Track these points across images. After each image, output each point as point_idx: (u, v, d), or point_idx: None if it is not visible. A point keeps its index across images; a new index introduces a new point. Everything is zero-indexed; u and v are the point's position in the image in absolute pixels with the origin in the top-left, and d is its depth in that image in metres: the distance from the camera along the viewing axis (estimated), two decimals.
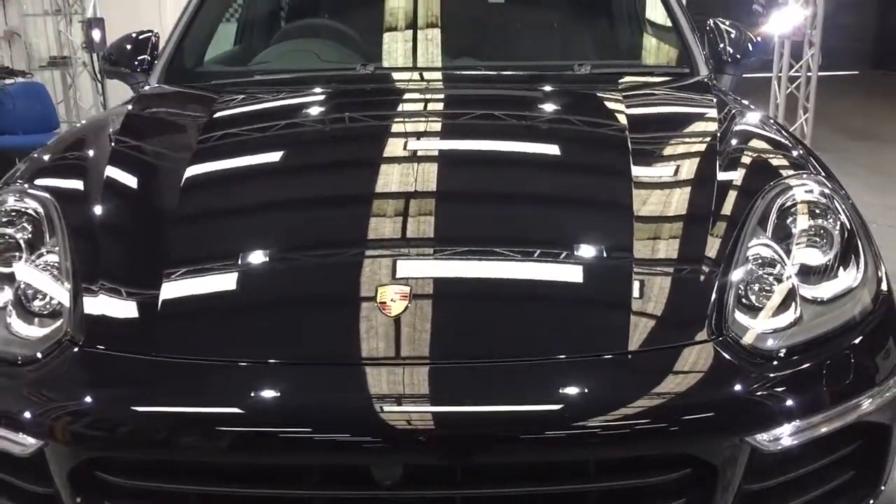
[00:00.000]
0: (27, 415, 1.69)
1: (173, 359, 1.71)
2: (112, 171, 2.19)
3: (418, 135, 2.42)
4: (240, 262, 1.90)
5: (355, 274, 1.83)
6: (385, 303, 1.73)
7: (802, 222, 1.93)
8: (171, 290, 1.82)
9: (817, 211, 1.95)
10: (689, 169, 2.15)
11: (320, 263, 1.92)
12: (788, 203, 1.96)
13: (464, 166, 2.24)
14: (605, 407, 1.59)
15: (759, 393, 1.65)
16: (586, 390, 1.63)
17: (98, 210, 2.06)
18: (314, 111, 2.68)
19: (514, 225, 1.99)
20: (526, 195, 2.08)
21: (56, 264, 1.91)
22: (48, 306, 1.86)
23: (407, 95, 2.81)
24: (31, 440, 1.68)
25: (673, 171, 2.15)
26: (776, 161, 2.19)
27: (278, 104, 2.71)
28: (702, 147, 2.26)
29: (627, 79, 2.88)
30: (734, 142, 2.25)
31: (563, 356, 1.67)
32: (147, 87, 2.89)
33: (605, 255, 1.87)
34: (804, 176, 2.07)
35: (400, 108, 2.67)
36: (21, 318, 1.85)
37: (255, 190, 2.18)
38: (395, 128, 2.51)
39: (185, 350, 1.73)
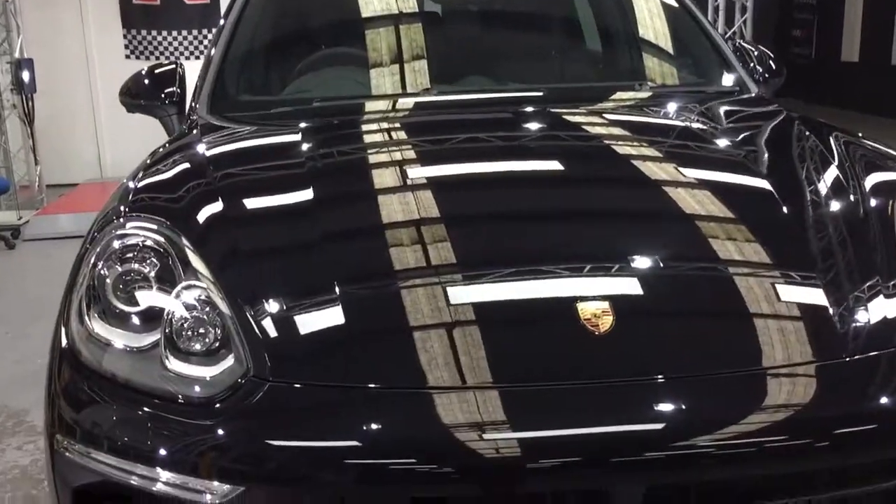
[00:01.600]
0: (225, 460, 1.56)
1: (379, 388, 1.61)
2: (228, 197, 2.07)
3: (552, 154, 2.38)
4: (413, 277, 1.81)
5: (550, 290, 1.78)
6: (590, 319, 1.68)
7: None
8: (353, 311, 1.72)
9: None
10: (823, 183, 2.17)
11: (510, 277, 1.83)
12: None
13: (621, 183, 2.23)
14: (850, 409, 1.60)
15: None
16: (822, 395, 1.62)
17: (231, 236, 1.94)
18: (416, 129, 2.65)
19: (696, 243, 1.95)
20: (694, 215, 2.03)
21: (204, 298, 1.77)
22: (207, 342, 1.72)
23: (493, 116, 2.75)
24: (226, 487, 1.55)
25: (809, 186, 2.17)
26: (889, 167, 2.25)
27: (373, 126, 2.67)
28: (819, 162, 2.30)
29: (689, 98, 2.90)
30: (842, 152, 2.30)
31: (787, 364, 1.64)
32: (199, 118, 2.77)
33: (791, 268, 1.87)
34: None
35: (504, 128, 2.62)
36: (179, 358, 1.71)
37: (400, 203, 2.08)
38: (515, 145, 2.47)
39: (390, 377, 1.62)
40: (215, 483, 1.55)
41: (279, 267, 1.91)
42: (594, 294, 1.73)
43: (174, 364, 1.70)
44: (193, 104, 2.87)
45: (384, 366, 1.65)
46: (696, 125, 2.63)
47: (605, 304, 1.70)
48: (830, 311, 1.74)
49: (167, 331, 1.73)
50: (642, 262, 1.86)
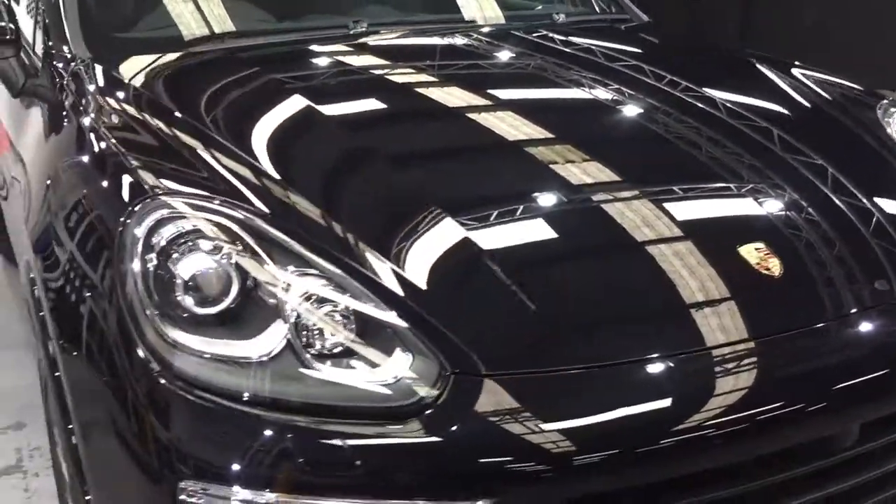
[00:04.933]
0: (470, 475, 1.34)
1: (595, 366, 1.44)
2: (255, 148, 1.83)
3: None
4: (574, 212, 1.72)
5: (711, 235, 1.67)
6: (760, 263, 1.56)
7: None
8: (526, 275, 1.56)
9: None
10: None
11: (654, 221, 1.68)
12: None
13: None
14: None
15: None
16: None
17: (292, 199, 1.67)
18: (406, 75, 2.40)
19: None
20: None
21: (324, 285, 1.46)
22: (340, 340, 1.43)
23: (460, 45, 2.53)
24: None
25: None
26: None
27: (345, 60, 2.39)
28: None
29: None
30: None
31: None
32: (79, 64, 2.25)
33: None
34: None
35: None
36: (334, 363, 1.41)
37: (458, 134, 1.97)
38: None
39: (591, 353, 1.46)
40: None
41: (403, 226, 1.65)
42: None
43: (332, 371, 1.40)
44: (48, 42, 2.37)
45: (586, 342, 1.50)
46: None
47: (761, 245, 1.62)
48: None
49: (298, 334, 1.42)
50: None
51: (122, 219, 1.54)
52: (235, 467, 1.34)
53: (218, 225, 1.52)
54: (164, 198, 1.58)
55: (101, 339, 1.52)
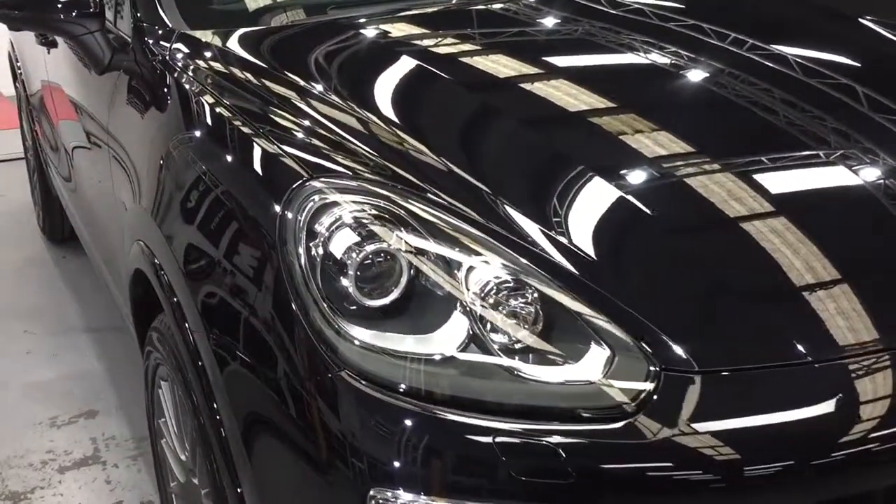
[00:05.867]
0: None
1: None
2: (398, 116, 1.73)
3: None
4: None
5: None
6: None
7: None
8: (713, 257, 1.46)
9: None
10: None
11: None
12: None
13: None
14: None
15: None
16: None
17: (447, 179, 1.53)
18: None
19: None
20: None
21: (510, 275, 1.33)
22: (527, 330, 1.31)
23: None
24: None
25: None
26: None
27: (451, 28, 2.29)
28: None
29: None
30: None
31: None
32: (174, 42, 2.09)
33: None
34: None
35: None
36: (522, 358, 1.29)
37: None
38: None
39: (804, 348, 1.32)
40: None
41: (556, 193, 1.53)
42: None
43: (523, 366, 1.27)
44: (137, 15, 2.18)
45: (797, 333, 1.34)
46: None
47: None
48: None
49: (480, 328, 1.30)
50: None
51: (277, 206, 1.43)
52: (431, 474, 1.24)
53: (377, 208, 1.41)
54: (316, 183, 1.45)
55: (260, 328, 1.42)
